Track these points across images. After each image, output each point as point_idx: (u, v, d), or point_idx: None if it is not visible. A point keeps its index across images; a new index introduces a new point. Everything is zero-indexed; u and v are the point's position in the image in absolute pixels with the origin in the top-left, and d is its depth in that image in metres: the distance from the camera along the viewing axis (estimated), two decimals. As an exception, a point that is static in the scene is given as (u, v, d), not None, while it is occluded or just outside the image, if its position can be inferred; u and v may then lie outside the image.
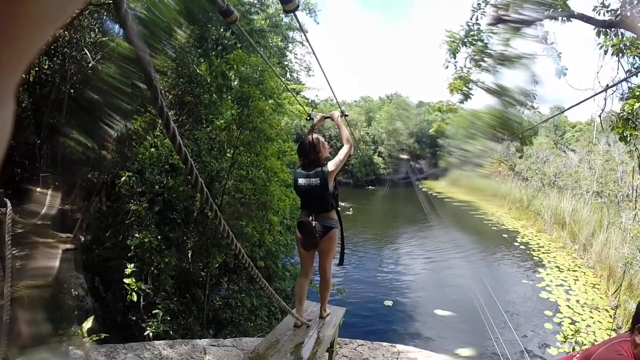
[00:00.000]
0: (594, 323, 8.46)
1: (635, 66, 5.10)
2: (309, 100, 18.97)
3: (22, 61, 0.21)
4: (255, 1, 8.55)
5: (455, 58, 5.83)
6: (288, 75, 12.46)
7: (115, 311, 5.73)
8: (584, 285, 10.57)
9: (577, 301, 9.53)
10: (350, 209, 19.44)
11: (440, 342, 7.37)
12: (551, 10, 4.97)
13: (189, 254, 6.34)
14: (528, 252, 13.59)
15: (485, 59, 5.42)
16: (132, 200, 5.77)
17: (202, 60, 6.59)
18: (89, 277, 5.58)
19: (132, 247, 5.36)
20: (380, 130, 36.19)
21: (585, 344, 6.63)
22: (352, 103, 42.76)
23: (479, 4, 5.42)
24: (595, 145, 18.63)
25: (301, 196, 2.94)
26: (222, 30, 6.72)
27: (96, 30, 8.00)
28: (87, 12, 7.20)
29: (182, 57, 6.01)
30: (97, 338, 3.53)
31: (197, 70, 6.32)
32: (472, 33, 5.50)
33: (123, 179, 5.50)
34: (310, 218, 2.85)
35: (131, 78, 4.66)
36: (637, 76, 5.10)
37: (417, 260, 12.81)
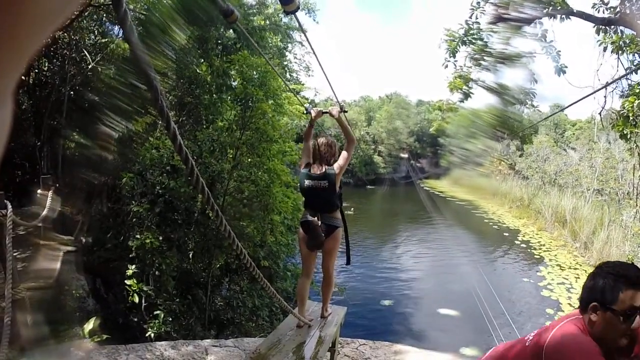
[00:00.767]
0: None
1: (635, 63, 5.09)
2: (309, 100, 18.95)
3: (20, 61, 0.21)
4: (254, 2, 8.55)
5: (454, 57, 5.82)
6: (288, 75, 12.45)
7: (116, 312, 5.72)
8: (585, 283, 10.55)
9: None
10: (352, 209, 19.44)
11: (444, 342, 7.36)
12: (550, 8, 4.96)
13: (190, 255, 6.34)
14: (529, 250, 13.58)
15: (486, 57, 5.41)
16: (133, 202, 5.77)
17: (203, 60, 6.59)
18: (90, 278, 5.58)
19: (133, 249, 5.36)
20: (380, 129, 36.23)
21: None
22: (352, 103, 42.83)
23: (478, 2, 5.41)
24: (596, 143, 18.60)
25: (307, 197, 2.92)
26: (222, 30, 6.72)
27: (96, 31, 8.00)
28: (86, 13, 7.20)
29: (183, 58, 6.01)
30: (99, 339, 3.53)
31: (198, 71, 6.32)
32: (471, 32, 5.49)
33: (124, 180, 5.50)
34: (316, 218, 2.83)
35: (131, 79, 4.66)
36: (636, 73, 5.08)
37: (419, 259, 12.81)
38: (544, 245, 14.18)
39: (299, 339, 2.85)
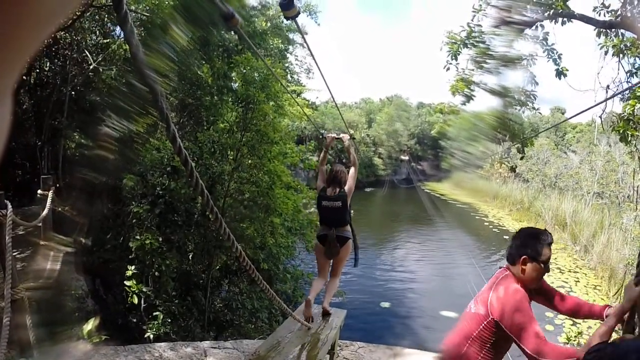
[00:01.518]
0: (595, 324, 8.43)
1: (635, 66, 5.09)
2: (310, 102, 18.98)
3: (21, 61, 0.20)
4: (257, 5, 8.58)
5: (456, 60, 5.82)
6: (289, 77, 12.47)
7: (115, 313, 5.72)
8: (585, 286, 10.53)
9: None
10: (351, 211, 19.40)
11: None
12: (552, 11, 4.97)
13: (190, 256, 6.34)
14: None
15: (487, 60, 5.41)
16: (133, 203, 5.77)
17: (204, 62, 6.60)
18: (89, 279, 5.57)
19: (133, 249, 5.36)
20: (380, 132, 36.23)
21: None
22: (353, 105, 42.87)
23: (480, 5, 5.41)
24: (596, 146, 18.60)
25: (323, 214, 3.39)
26: (223, 32, 6.73)
27: (97, 32, 8.02)
28: (88, 14, 7.22)
29: (184, 59, 6.03)
30: (98, 340, 3.52)
31: (199, 73, 6.33)
32: (473, 34, 5.49)
33: (125, 181, 5.50)
34: (331, 231, 3.30)
35: (132, 80, 4.67)
36: (636, 75, 5.08)
37: (420, 262, 12.79)
38: (544, 248, 14.13)
39: (298, 341, 2.84)
